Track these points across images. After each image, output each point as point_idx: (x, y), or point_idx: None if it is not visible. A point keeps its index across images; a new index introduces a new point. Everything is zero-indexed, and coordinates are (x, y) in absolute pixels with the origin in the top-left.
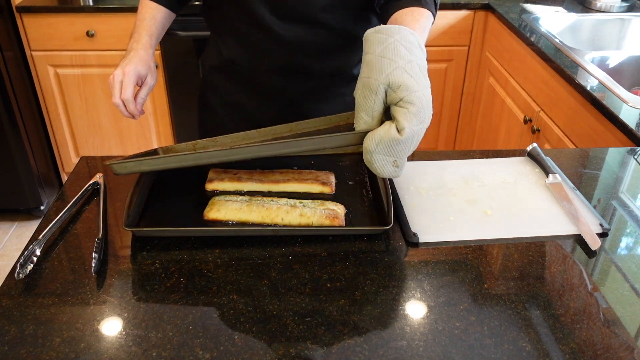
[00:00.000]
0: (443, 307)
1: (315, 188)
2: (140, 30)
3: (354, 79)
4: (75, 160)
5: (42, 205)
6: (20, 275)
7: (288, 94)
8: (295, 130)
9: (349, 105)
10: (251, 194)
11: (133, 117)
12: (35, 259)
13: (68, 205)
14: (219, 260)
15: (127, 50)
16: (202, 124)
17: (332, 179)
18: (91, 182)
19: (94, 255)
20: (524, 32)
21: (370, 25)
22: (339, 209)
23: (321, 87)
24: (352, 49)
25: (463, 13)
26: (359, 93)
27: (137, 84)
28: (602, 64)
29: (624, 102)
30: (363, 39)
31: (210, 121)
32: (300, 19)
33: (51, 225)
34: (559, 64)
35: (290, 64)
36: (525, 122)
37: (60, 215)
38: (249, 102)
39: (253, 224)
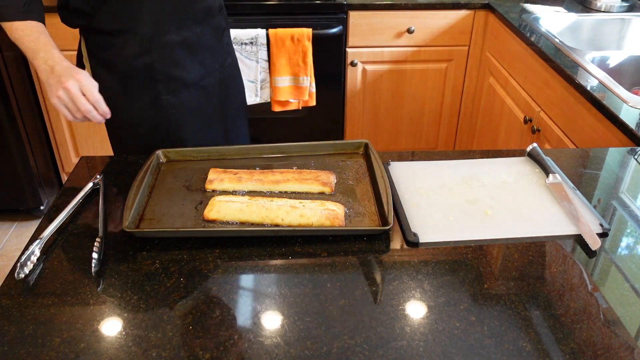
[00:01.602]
0: (443, 307)
1: (315, 188)
2: (45, 47)
3: (223, 11)
4: (75, 160)
5: (42, 205)
6: (20, 275)
7: (203, 38)
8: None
9: (229, 37)
10: (251, 194)
11: (105, 116)
12: (35, 259)
13: (68, 206)
14: (219, 260)
15: (44, 69)
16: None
17: (332, 179)
18: (91, 182)
19: (94, 255)
20: (524, 32)
21: None
22: (339, 209)
23: (217, 22)
24: None
25: (463, 13)
26: None
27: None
28: (602, 64)
29: (624, 102)
30: None
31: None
32: None
33: (51, 225)
34: (559, 64)
35: (199, 9)
36: (526, 122)
37: (60, 216)
38: (178, 61)
39: (253, 224)
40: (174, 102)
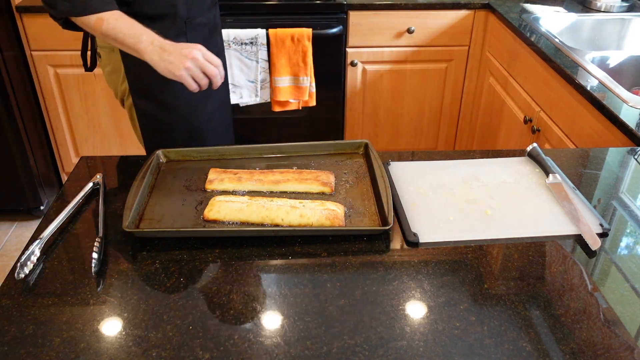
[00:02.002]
0: (443, 307)
1: (315, 188)
2: (144, 31)
3: None
4: (75, 160)
5: (42, 205)
6: (20, 275)
7: (215, 21)
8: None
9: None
10: (251, 194)
11: (222, 78)
12: (35, 259)
13: (68, 206)
14: (219, 260)
15: (152, 49)
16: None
17: (332, 179)
18: (91, 182)
19: (94, 255)
20: (524, 32)
21: None
22: (339, 209)
23: (216, 8)
24: None
25: (463, 13)
26: None
27: None
28: (602, 64)
29: (624, 102)
30: None
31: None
32: None
33: (51, 225)
34: (559, 64)
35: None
36: (526, 122)
37: (60, 216)
38: (201, 42)
39: (253, 224)
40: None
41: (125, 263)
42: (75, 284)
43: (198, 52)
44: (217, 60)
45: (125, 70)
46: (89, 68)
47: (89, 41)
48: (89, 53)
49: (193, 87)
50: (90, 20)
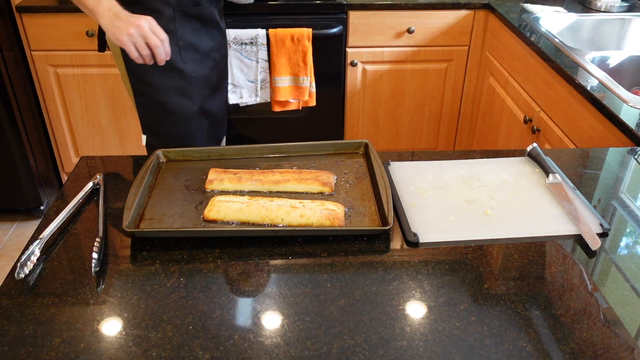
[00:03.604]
0: (443, 307)
1: (315, 188)
2: None
3: None
4: (75, 160)
5: (42, 205)
6: (20, 275)
7: (213, 15)
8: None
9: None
10: (251, 194)
11: (167, 56)
12: (35, 259)
13: (68, 206)
14: (219, 260)
15: (108, 15)
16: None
17: (332, 179)
18: (91, 182)
19: (94, 255)
20: (524, 32)
21: None
22: (339, 209)
23: (221, 5)
24: None
25: (463, 13)
26: None
27: None
28: (602, 64)
29: (624, 102)
30: None
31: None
32: None
33: (51, 225)
34: (559, 64)
35: None
36: (526, 122)
37: (60, 216)
38: (193, 35)
39: (253, 224)
40: (191, 68)
41: (125, 263)
42: (75, 284)
43: (145, 22)
44: (163, 35)
45: (121, 52)
46: (101, 49)
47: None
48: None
49: (134, 54)
50: None
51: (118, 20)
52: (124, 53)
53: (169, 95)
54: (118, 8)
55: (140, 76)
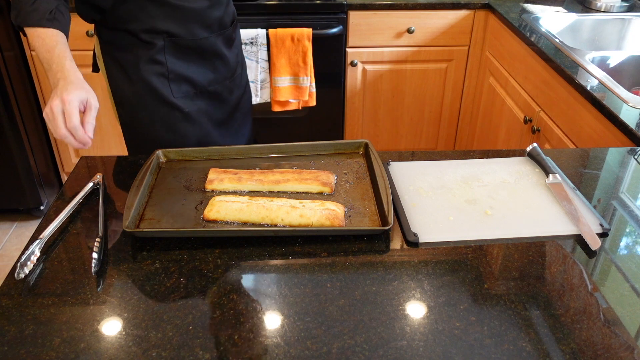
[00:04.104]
0: (443, 307)
1: (315, 188)
2: (58, 59)
3: (237, 26)
4: (75, 160)
5: (42, 205)
6: (20, 275)
7: (214, 47)
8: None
9: (239, 45)
10: (251, 194)
11: (84, 145)
12: (35, 259)
13: (68, 206)
14: (219, 260)
15: (53, 82)
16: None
17: (332, 179)
18: (91, 182)
19: (94, 255)
20: (524, 32)
21: None
22: (339, 209)
23: (229, 33)
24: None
25: (463, 13)
26: None
27: (80, 110)
28: (602, 64)
29: (624, 102)
30: None
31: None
32: None
33: (51, 225)
34: (559, 64)
35: (212, 20)
36: (526, 122)
37: (60, 216)
38: (187, 68)
39: (253, 224)
40: (183, 103)
41: (125, 263)
42: (75, 284)
43: (58, 104)
44: (73, 122)
45: (108, 79)
46: (95, 70)
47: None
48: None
49: (52, 133)
50: (27, 34)
51: (53, 91)
52: (109, 78)
53: (158, 130)
54: (64, 73)
55: (125, 106)
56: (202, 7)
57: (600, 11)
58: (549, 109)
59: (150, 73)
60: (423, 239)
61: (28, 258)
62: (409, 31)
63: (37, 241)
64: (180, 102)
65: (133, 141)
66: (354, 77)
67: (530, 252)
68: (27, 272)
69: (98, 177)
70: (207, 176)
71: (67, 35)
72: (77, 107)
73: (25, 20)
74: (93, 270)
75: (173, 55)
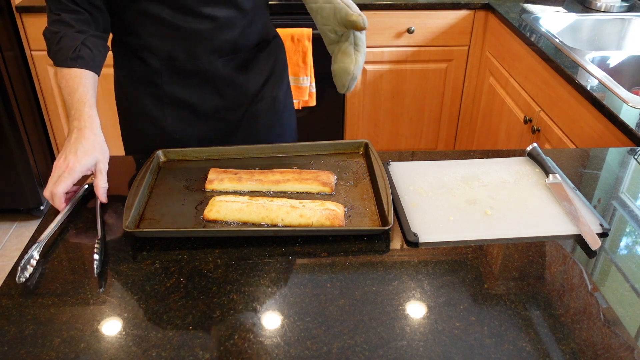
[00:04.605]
0: (443, 307)
1: (315, 188)
2: (77, 104)
3: (271, 38)
4: None
5: (42, 205)
6: (21, 279)
7: (223, 72)
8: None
9: (274, 68)
10: (251, 194)
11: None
12: (34, 262)
13: (68, 206)
14: (219, 260)
15: (69, 129)
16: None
17: (332, 178)
18: (86, 184)
19: (95, 257)
20: (524, 32)
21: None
22: (339, 209)
23: (249, 58)
24: (267, 13)
25: (463, 13)
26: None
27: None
28: (602, 64)
29: (624, 102)
30: None
31: (150, 125)
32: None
33: (49, 227)
34: (559, 64)
35: (220, 43)
36: (526, 122)
37: (58, 217)
38: (189, 94)
39: (253, 224)
40: (178, 129)
41: (125, 263)
42: (75, 284)
43: (61, 164)
44: (56, 191)
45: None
46: None
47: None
48: None
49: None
50: (57, 74)
51: (68, 142)
52: (114, 78)
53: (152, 146)
54: (81, 123)
55: (122, 112)
56: (206, 29)
57: (600, 11)
58: (549, 109)
59: (144, 93)
60: (423, 239)
61: (27, 262)
62: (409, 31)
63: (36, 244)
64: (173, 127)
65: (129, 146)
66: None
67: (530, 252)
68: (27, 275)
69: (92, 178)
70: (207, 176)
71: (98, 70)
72: (77, 177)
73: (54, 60)
74: (95, 272)
75: (170, 77)
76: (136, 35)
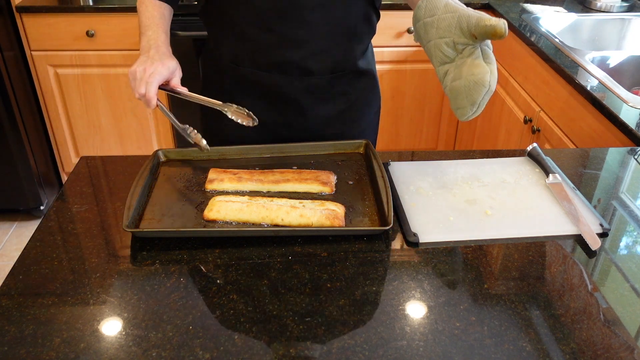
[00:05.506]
0: (443, 307)
1: (315, 188)
2: (155, 27)
3: (356, 75)
4: (75, 160)
5: (42, 205)
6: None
7: (289, 92)
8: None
9: (353, 104)
10: (251, 194)
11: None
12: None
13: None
14: (219, 260)
15: (144, 46)
16: (205, 124)
17: (332, 178)
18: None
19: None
20: (524, 32)
21: (370, 21)
22: (339, 209)
23: (321, 84)
24: (352, 45)
25: None
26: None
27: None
28: (602, 64)
29: (624, 102)
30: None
31: (213, 122)
32: (299, 15)
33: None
34: (559, 64)
35: (290, 62)
36: (526, 122)
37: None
38: (251, 102)
39: (253, 224)
40: (238, 134)
41: (125, 263)
42: (75, 284)
43: (141, 70)
44: (141, 91)
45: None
46: None
47: None
48: None
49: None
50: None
51: (143, 55)
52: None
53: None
54: (158, 42)
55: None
56: (271, 42)
57: (600, 11)
58: (549, 109)
59: (221, 80)
60: (423, 239)
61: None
62: (409, 31)
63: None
64: (233, 132)
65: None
66: None
67: (530, 252)
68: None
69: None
70: (207, 176)
71: (175, 7)
72: (164, 78)
73: None
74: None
75: (234, 79)
76: (222, 25)
